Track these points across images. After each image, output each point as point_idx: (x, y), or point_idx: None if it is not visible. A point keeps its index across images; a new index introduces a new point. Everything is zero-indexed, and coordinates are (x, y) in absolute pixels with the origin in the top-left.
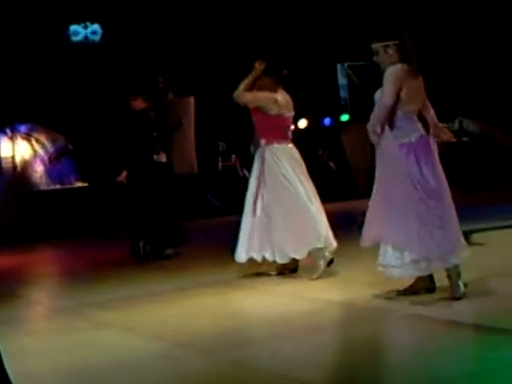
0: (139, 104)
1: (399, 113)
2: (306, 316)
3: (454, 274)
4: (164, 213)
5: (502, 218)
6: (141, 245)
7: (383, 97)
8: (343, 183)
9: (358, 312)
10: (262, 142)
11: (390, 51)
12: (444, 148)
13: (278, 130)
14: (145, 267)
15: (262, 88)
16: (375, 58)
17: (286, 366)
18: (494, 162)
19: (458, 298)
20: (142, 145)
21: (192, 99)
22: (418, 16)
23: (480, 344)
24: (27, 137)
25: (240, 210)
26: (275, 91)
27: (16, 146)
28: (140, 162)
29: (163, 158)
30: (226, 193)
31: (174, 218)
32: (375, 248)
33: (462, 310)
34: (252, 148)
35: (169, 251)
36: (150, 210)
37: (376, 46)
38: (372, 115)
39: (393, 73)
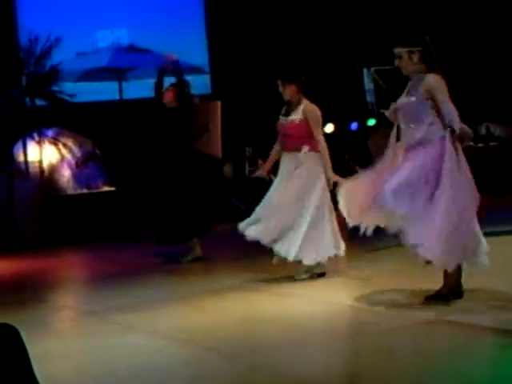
0: (171, 98)
1: None
2: (328, 320)
3: None
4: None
5: None
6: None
7: (448, 104)
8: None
9: (378, 317)
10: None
11: (415, 58)
12: (473, 153)
13: None
14: (172, 271)
15: None
16: (397, 63)
17: (309, 372)
18: None
19: None
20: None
21: (219, 104)
22: (443, 19)
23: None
24: (54, 141)
25: None
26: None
27: (43, 151)
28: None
29: None
30: (253, 198)
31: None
32: (396, 252)
33: (483, 314)
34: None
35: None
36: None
37: (400, 50)
38: (455, 119)
39: (442, 83)
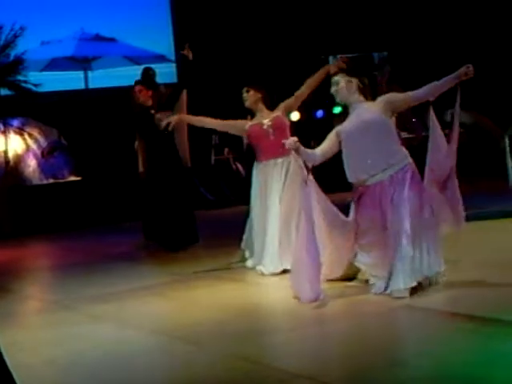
0: (147, 97)
1: None
2: (296, 308)
3: None
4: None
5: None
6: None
7: None
8: (335, 175)
9: (350, 305)
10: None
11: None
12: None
13: None
14: (138, 260)
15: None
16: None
17: (280, 359)
18: (486, 152)
19: None
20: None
21: (184, 92)
22: (409, 13)
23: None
24: (20, 131)
25: (231, 202)
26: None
27: (8, 141)
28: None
29: None
30: (219, 186)
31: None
32: None
33: (458, 301)
34: None
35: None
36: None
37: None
38: None
39: None
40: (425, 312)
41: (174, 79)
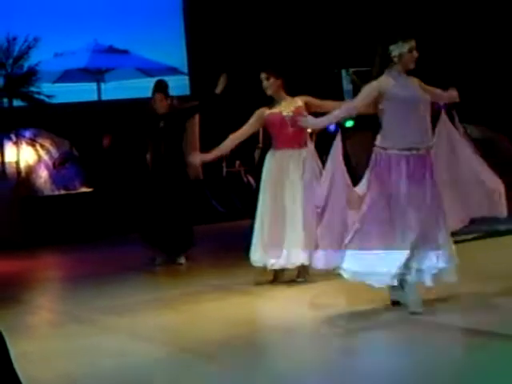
0: (162, 106)
1: None
2: (305, 322)
3: None
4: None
5: None
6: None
7: None
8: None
9: (359, 320)
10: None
11: None
12: None
13: None
14: (148, 272)
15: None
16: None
17: (288, 372)
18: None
19: None
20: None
21: (197, 115)
22: (423, 20)
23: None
24: (32, 142)
25: (242, 215)
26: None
27: (20, 152)
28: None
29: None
30: (230, 198)
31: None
32: None
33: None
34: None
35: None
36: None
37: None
38: None
39: None
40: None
41: (186, 91)
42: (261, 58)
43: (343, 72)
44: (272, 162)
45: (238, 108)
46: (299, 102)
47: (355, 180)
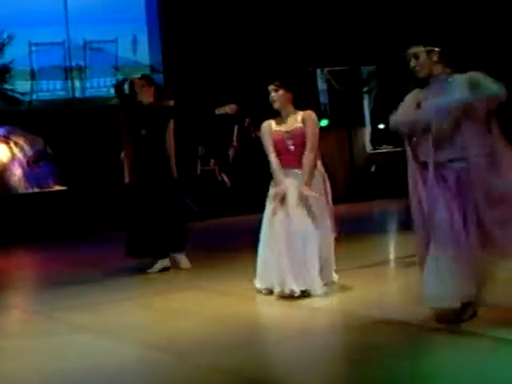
0: (148, 94)
1: None
2: (277, 320)
3: None
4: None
5: None
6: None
7: None
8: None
9: (328, 317)
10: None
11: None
12: None
13: None
14: (123, 270)
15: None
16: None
17: (261, 372)
18: None
19: None
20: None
21: (172, 103)
22: (397, 26)
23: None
24: (5, 140)
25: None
26: None
27: None
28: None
29: None
30: (205, 197)
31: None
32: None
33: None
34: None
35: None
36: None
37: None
38: None
39: None
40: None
41: None
42: (236, 56)
43: (318, 71)
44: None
45: (212, 106)
46: (299, 119)
47: (329, 177)
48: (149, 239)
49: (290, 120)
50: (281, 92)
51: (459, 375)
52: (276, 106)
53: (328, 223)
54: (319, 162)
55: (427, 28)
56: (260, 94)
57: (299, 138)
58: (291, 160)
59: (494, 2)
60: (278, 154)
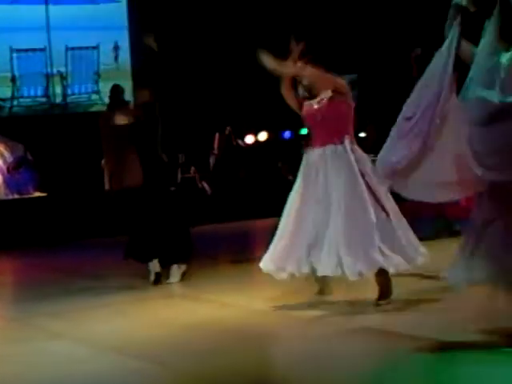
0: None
1: None
2: (252, 328)
3: None
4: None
5: None
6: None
7: None
8: None
9: (303, 325)
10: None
11: None
12: None
13: None
14: (101, 277)
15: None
16: None
17: (239, 379)
18: None
19: None
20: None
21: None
22: (379, 35)
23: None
24: None
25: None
26: None
27: None
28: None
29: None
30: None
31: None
32: None
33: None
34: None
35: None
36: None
37: None
38: None
39: None
40: (378, 334)
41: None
42: (217, 65)
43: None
44: (302, 166)
45: (192, 114)
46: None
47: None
48: (159, 244)
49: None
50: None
51: None
52: (304, 82)
53: None
54: None
55: (407, 38)
56: (241, 102)
57: (328, 109)
58: (321, 137)
59: None
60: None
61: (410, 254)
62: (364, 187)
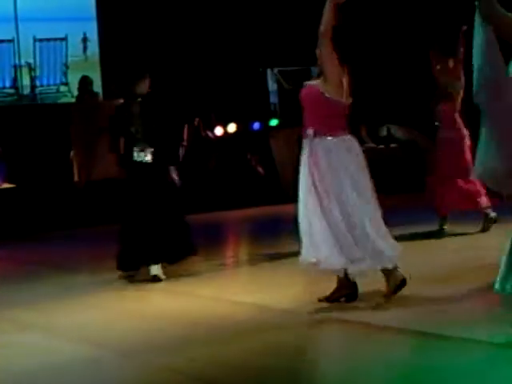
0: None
1: None
2: (224, 319)
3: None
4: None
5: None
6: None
7: None
8: (271, 188)
9: (277, 316)
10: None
11: None
12: (374, 154)
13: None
14: (70, 269)
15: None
16: None
17: (209, 371)
18: (421, 168)
19: None
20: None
21: (121, 102)
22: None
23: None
24: None
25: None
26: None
27: None
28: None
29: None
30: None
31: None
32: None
33: (384, 315)
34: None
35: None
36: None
37: None
38: None
39: None
40: (355, 326)
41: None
42: (187, 57)
43: (268, 71)
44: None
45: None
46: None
47: (278, 177)
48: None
49: None
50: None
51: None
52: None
53: None
54: None
55: (377, 30)
56: (210, 93)
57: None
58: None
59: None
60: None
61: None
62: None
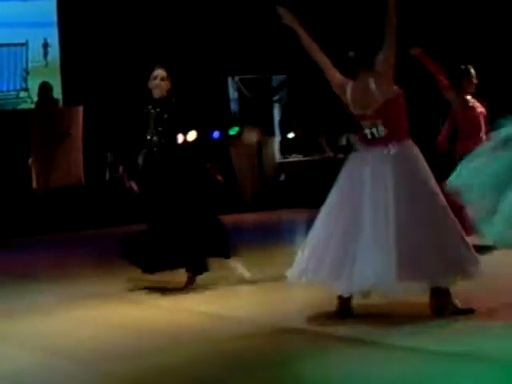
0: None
1: None
2: (185, 329)
3: None
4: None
5: None
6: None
7: None
8: (230, 196)
9: (235, 326)
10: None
11: None
12: (333, 164)
13: None
14: (32, 277)
15: None
16: None
17: (164, 381)
18: None
19: None
20: None
21: (81, 109)
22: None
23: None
24: None
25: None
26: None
27: None
28: None
29: None
30: (113, 204)
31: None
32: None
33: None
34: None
35: None
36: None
37: None
38: None
39: None
40: (314, 336)
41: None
42: (147, 65)
43: (229, 79)
44: None
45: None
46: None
47: (237, 185)
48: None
49: None
50: None
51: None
52: None
53: None
54: None
55: (340, 38)
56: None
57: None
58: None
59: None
60: None
61: None
62: None
